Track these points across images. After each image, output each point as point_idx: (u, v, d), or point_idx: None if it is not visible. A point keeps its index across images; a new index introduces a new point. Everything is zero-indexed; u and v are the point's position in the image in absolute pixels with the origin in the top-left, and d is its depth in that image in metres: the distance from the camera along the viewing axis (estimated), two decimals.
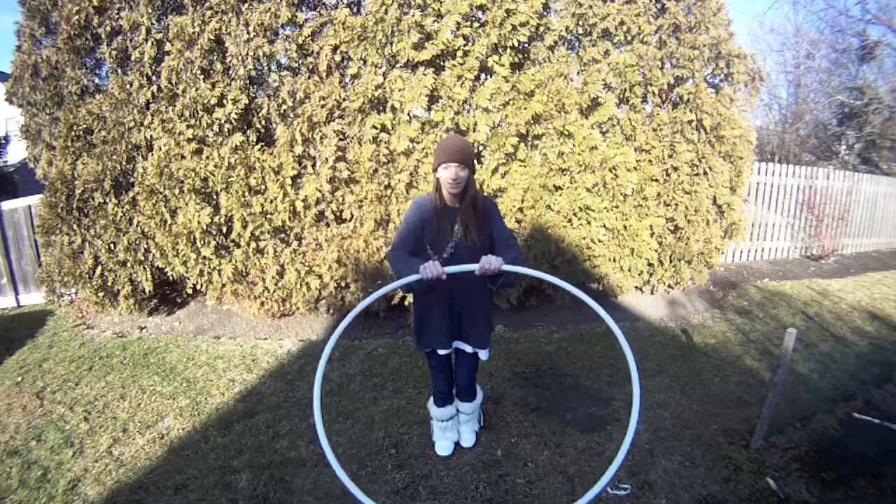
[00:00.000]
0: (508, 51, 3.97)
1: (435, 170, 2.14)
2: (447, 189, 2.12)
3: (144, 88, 4.06)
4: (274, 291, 4.12)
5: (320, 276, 4.05)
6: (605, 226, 4.33)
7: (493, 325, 2.53)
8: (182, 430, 2.86)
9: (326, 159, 3.87)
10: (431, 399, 2.58)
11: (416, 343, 2.41)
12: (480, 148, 4.06)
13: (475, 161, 2.22)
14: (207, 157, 3.92)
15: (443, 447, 2.57)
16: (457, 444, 2.63)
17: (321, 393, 1.80)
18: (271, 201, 3.88)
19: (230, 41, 3.83)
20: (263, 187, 3.89)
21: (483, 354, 2.39)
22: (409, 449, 2.62)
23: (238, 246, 4.07)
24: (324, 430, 1.75)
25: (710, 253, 4.95)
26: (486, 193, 3.92)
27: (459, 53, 3.87)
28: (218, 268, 4.14)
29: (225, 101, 3.81)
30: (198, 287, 4.34)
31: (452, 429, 2.59)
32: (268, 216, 3.93)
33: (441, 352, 2.34)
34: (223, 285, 4.23)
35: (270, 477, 2.42)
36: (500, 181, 4.08)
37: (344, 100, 3.90)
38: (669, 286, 5.01)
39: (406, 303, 4.14)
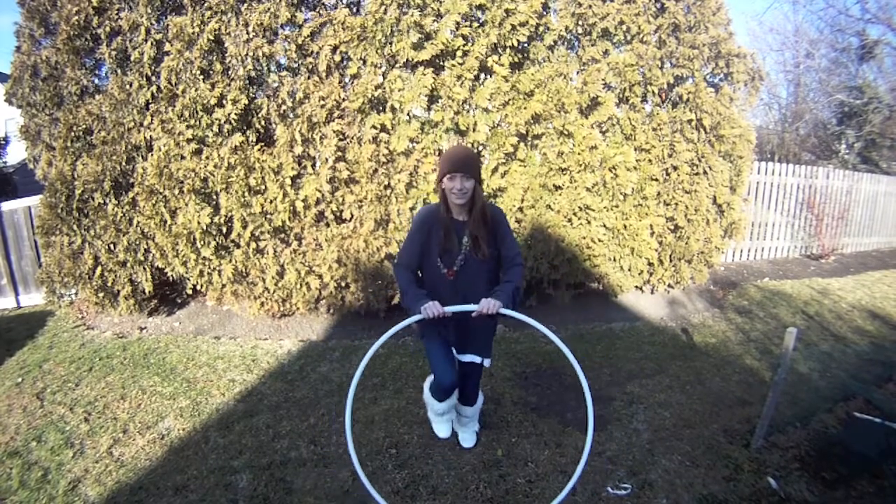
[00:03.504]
0: (508, 50, 3.97)
1: (440, 180, 2.13)
2: (453, 200, 2.11)
3: (144, 89, 4.05)
4: (274, 292, 4.12)
5: (320, 276, 4.05)
6: (605, 225, 4.33)
7: (496, 331, 2.54)
8: (182, 431, 2.86)
9: (326, 159, 3.87)
10: (428, 387, 2.51)
11: (420, 331, 2.36)
12: (480, 148, 4.06)
13: (481, 170, 2.22)
14: (207, 158, 3.92)
15: (442, 430, 2.63)
16: (457, 443, 2.63)
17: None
18: (271, 201, 3.88)
19: (230, 41, 3.83)
20: (263, 187, 3.89)
21: (487, 362, 2.40)
22: (410, 449, 2.62)
23: (238, 246, 4.06)
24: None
25: (710, 252, 4.95)
26: (486, 193, 3.92)
27: (459, 53, 3.87)
28: (218, 268, 4.14)
29: (224, 102, 3.81)
30: (198, 287, 4.34)
31: (451, 413, 2.58)
32: (268, 216, 3.92)
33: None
34: (223, 285, 4.22)
35: (271, 477, 2.42)
36: (500, 181, 4.08)
37: (343, 100, 3.90)
38: (669, 285, 5.01)
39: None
